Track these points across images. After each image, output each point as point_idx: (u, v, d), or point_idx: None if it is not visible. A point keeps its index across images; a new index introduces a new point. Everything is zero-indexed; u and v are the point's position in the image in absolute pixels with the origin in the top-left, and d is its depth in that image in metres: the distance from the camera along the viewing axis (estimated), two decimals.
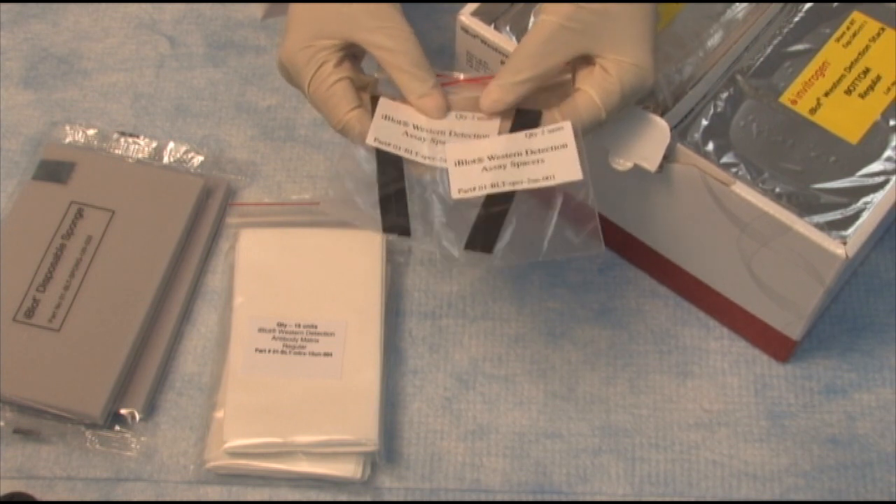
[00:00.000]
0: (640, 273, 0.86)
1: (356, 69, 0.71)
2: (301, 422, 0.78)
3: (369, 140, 0.68)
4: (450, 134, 0.68)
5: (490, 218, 0.67)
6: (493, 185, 0.67)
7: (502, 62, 0.76)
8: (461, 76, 0.71)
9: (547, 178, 0.67)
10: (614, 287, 0.86)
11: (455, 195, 0.67)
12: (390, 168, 0.68)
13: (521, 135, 0.68)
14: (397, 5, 0.69)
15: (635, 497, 0.78)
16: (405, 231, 0.69)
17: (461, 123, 0.69)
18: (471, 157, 0.68)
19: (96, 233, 0.85)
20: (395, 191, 0.69)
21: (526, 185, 0.67)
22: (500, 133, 0.68)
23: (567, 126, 0.67)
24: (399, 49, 0.68)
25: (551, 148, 0.67)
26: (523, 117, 0.68)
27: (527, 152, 0.67)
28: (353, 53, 0.70)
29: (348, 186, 0.70)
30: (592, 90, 0.67)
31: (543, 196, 0.68)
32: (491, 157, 0.67)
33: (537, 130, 0.68)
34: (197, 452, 0.79)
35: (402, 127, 0.69)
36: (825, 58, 0.79)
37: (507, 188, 0.67)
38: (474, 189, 0.67)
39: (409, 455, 0.80)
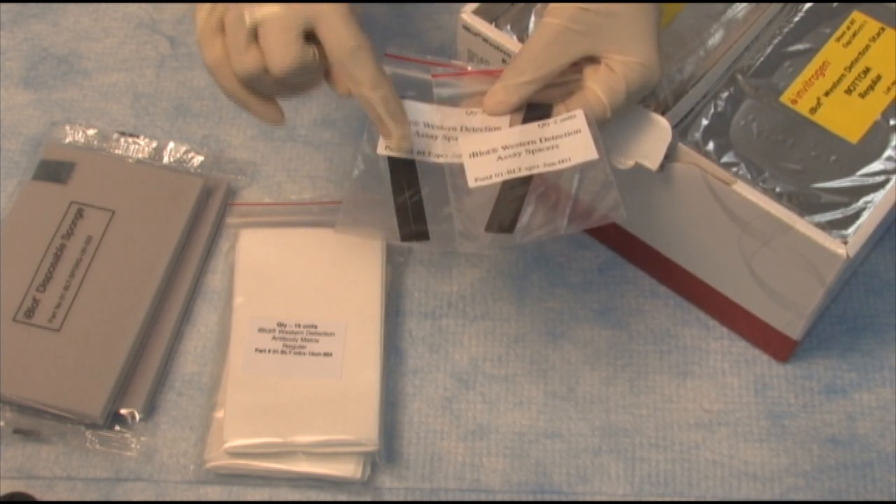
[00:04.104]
0: (640, 273, 0.86)
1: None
2: (301, 422, 0.78)
3: (380, 150, 0.68)
4: (461, 129, 0.68)
5: (509, 200, 0.67)
6: (509, 172, 0.67)
7: (504, 60, 0.76)
8: (469, 67, 0.71)
9: (563, 160, 0.67)
10: (614, 287, 0.86)
11: (472, 184, 0.67)
12: (403, 175, 0.68)
13: (533, 125, 0.68)
14: None
15: (635, 497, 0.78)
16: (423, 237, 0.68)
17: (472, 119, 0.69)
18: (485, 147, 0.68)
19: (96, 233, 0.85)
20: (410, 197, 0.68)
21: (542, 170, 0.67)
22: (511, 126, 0.68)
23: (579, 113, 0.67)
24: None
25: (565, 134, 0.67)
26: (534, 110, 0.69)
27: (541, 140, 0.67)
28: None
29: (361, 205, 0.70)
30: (598, 88, 0.67)
31: (560, 175, 0.68)
32: (505, 147, 0.68)
33: (549, 120, 0.68)
34: (197, 452, 0.79)
35: (412, 127, 0.68)
36: (825, 57, 0.79)
37: (524, 173, 0.67)
38: (491, 177, 0.67)
39: (409, 455, 0.80)
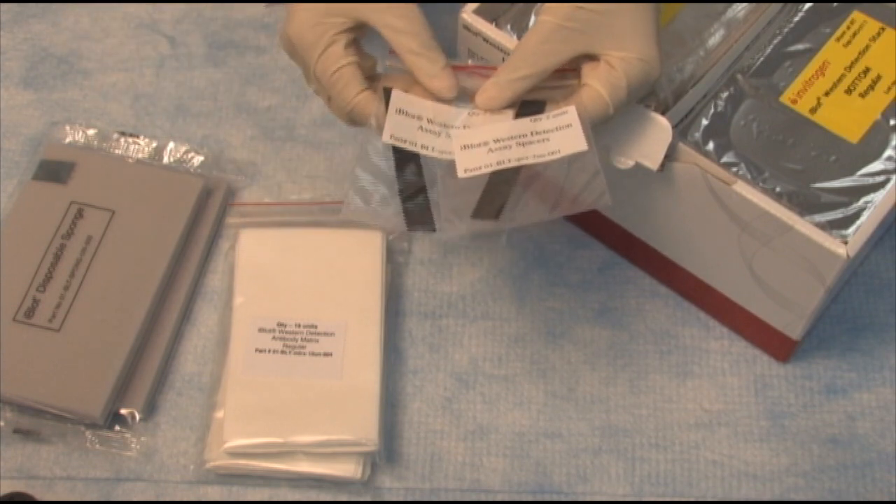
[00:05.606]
0: (640, 273, 0.86)
1: (361, 52, 0.71)
2: (301, 422, 0.78)
3: (385, 138, 0.68)
4: (464, 128, 0.68)
5: (497, 187, 0.67)
6: (498, 163, 0.67)
7: (504, 60, 0.76)
8: (469, 62, 0.71)
9: (552, 152, 0.67)
10: (614, 287, 0.86)
11: (461, 174, 0.67)
12: (408, 164, 0.68)
13: (525, 120, 0.68)
14: None
15: (635, 497, 0.78)
16: (429, 227, 0.68)
17: (475, 119, 0.69)
18: (476, 140, 0.68)
19: (96, 233, 0.85)
20: (415, 187, 0.68)
21: (531, 161, 0.67)
22: (505, 122, 0.68)
23: (571, 110, 0.67)
24: (409, 30, 0.68)
25: (556, 128, 0.67)
26: (528, 107, 0.69)
27: (532, 133, 0.67)
28: (358, 34, 0.70)
29: (367, 189, 0.70)
30: (599, 85, 0.67)
31: (548, 166, 0.68)
32: (497, 140, 0.67)
33: (542, 116, 0.68)
34: (197, 452, 0.79)
35: (416, 121, 0.68)
36: (825, 57, 0.79)
37: (513, 164, 0.67)
38: (480, 168, 0.67)
39: (409, 455, 0.80)
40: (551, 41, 0.67)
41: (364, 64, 0.70)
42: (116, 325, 0.81)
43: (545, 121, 0.68)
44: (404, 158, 0.68)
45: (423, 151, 0.68)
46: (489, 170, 0.67)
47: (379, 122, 0.68)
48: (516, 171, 0.67)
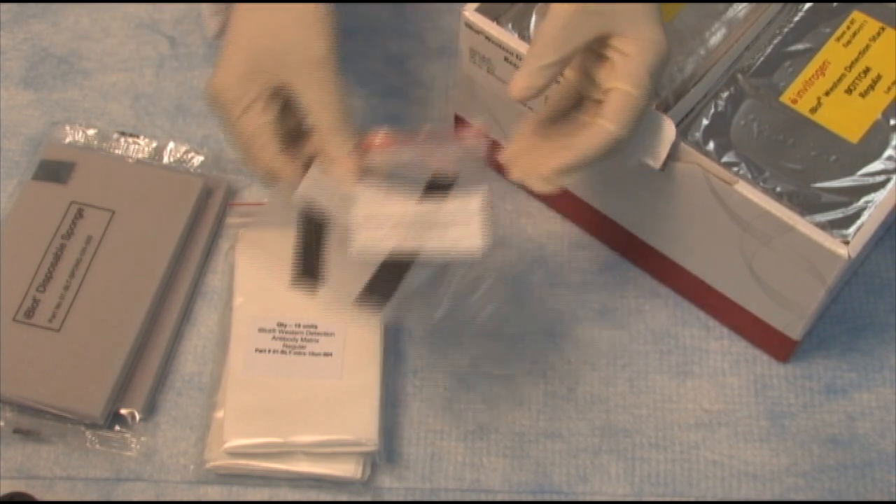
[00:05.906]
0: (640, 273, 0.86)
1: (286, 110, 0.70)
2: (301, 422, 0.78)
3: (297, 195, 0.68)
4: (368, 205, 0.69)
5: (387, 275, 0.68)
6: (394, 247, 0.67)
7: (506, 58, 0.76)
8: (377, 139, 0.70)
9: (448, 246, 0.67)
10: (614, 287, 0.86)
11: (354, 252, 0.67)
12: (311, 224, 0.69)
13: (430, 203, 0.68)
14: (336, 57, 0.69)
15: (635, 497, 0.78)
16: (312, 286, 0.70)
17: (381, 196, 0.69)
18: (377, 217, 0.68)
19: (96, 233, 0.85)
20: (312, 246, 0.70)
21: (427, 251, 0.67)
22: (408, 201, 0.69)
23: (476, 197, 0.67)
24: (326, 104, 0.68)
25: (458, 217, 0.68)
26: (435, 187, 0.69)
27: (433, 219, 0.68)
28: (285, 96, 0.70)
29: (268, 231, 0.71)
30: (622, 83, 0.66)
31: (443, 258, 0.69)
32: (397, 220, 0.68)
33: (448, 199, 0.68)
34: (197, 452, 0.79)
35: (328, 191, 0.69)
36: (825, 57, 0.79)
37: (408, 251, 0.67)
38: (375, 249, 0.67)
39: (409, 455, 0.80)
40: (572, 24, 0.66)
41: (286, 124, 0.70)
42: (116, 325, 0.81)
43: (449, 205, 0.68)
44: (309, 218, 0.69)
45: (329, 219, 0.68)
46: (383, 252, 0.67)
47: (292, 186, 0.68)
48: (409, 261, 0.67)
